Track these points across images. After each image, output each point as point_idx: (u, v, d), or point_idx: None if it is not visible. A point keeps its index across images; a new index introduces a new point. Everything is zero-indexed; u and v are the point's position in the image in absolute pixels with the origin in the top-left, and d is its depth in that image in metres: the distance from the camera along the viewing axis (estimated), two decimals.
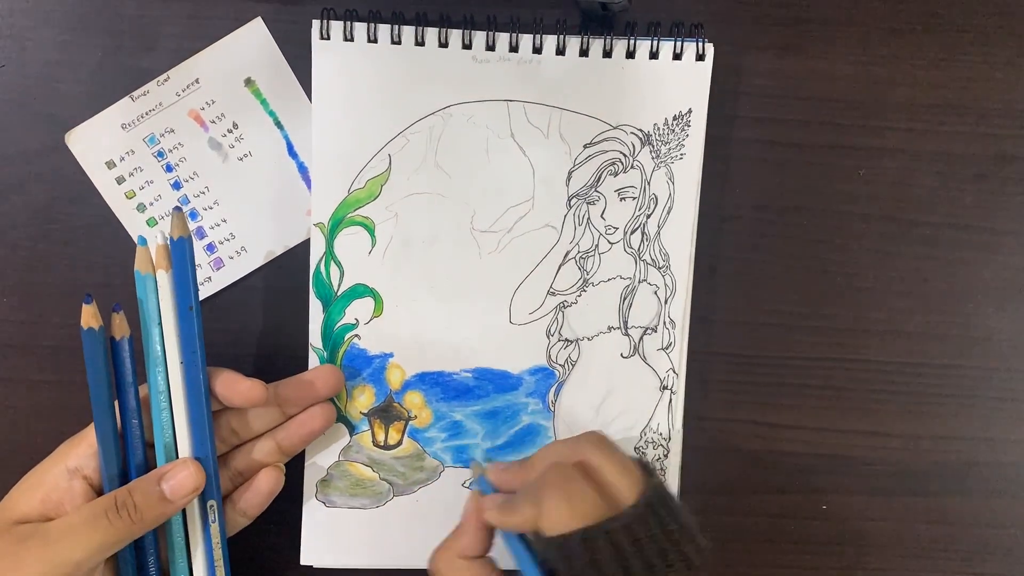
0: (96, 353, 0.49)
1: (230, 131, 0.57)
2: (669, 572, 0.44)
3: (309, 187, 0.57)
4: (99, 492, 0.49)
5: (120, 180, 0.56)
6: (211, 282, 0.57)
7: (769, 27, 0.57)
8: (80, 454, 0.50)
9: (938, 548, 0.60)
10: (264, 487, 0.53)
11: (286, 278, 0.57)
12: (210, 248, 0.57)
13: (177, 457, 0.51)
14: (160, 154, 0.56)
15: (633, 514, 0.45)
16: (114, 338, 0.50)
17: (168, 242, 0.50)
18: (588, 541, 0.44)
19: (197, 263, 0.57)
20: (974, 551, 0.60)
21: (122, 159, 0.56)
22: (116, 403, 0.50)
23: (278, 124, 0.57)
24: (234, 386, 0.51)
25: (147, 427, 0.51)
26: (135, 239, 0.57)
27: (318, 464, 0.57)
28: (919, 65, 0.57)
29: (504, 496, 0.50)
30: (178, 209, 0.51)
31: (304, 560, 0.58)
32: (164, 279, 0.50)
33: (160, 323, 0.50)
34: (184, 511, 0.51)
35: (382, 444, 0.57)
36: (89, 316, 0.48)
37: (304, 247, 0.57)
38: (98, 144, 0.56)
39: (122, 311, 0.50)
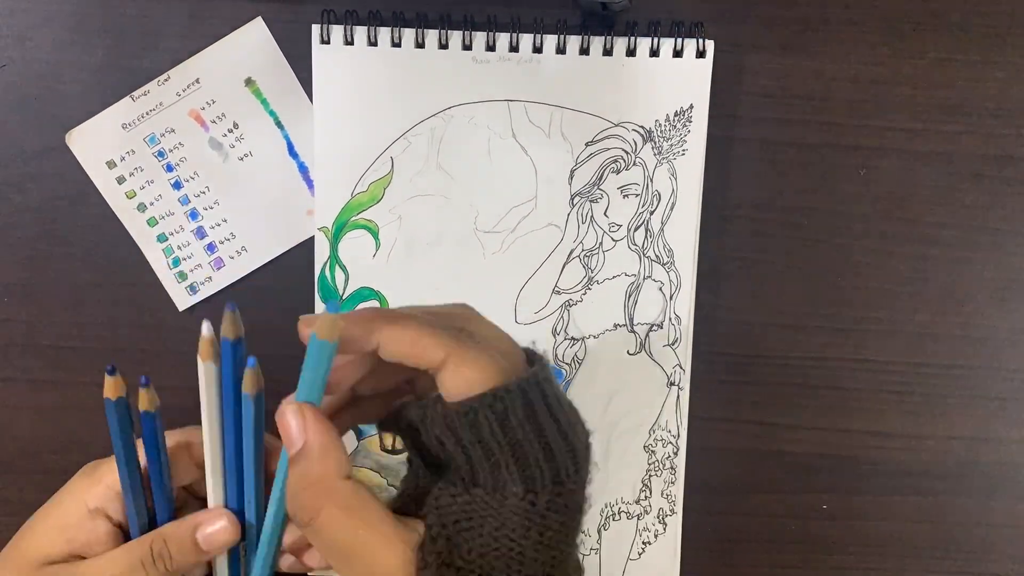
0: (117, 422, 0.47)
1: (230, 131, 0.56)
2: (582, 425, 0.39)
3: (310, 187, 0.57)
4: (123, 530, 0.48)
5: (120, 180, 0.56)
6: (211, 282, 0.57)
7: (769, 27, 0.57)
8: (99, 495, 0.48)
9: (938, 548, 0.60)
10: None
11: (287, 278, 0.57)
12: (210, 248, 0.57)
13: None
14: (160, 154, 0.56)
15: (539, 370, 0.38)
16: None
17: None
18: (523, 392, 0.37)
19: (197, 263, 0.57)
20: (974, 551, 0.60)
21: (122, 159, 0.56)
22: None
23: (278, 124, 0.57)
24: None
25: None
26: (135, 239, 0.56)
27: None
28: (919, 65, 0.57)
29: (357, 313, 0.43)
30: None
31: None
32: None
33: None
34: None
35: (390, 449, 0.57)
36: (111, 388, 0.44)
37: (305, 247, 0.57)
38: (98, 144, 0.56)
39: (151, 385, 0.45)
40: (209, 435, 0.46)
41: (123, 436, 0.46)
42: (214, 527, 0.47)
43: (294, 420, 0.39)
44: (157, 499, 0.48)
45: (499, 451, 0.36)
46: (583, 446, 0.38)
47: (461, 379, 0.37)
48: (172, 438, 0.48)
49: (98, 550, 0.47)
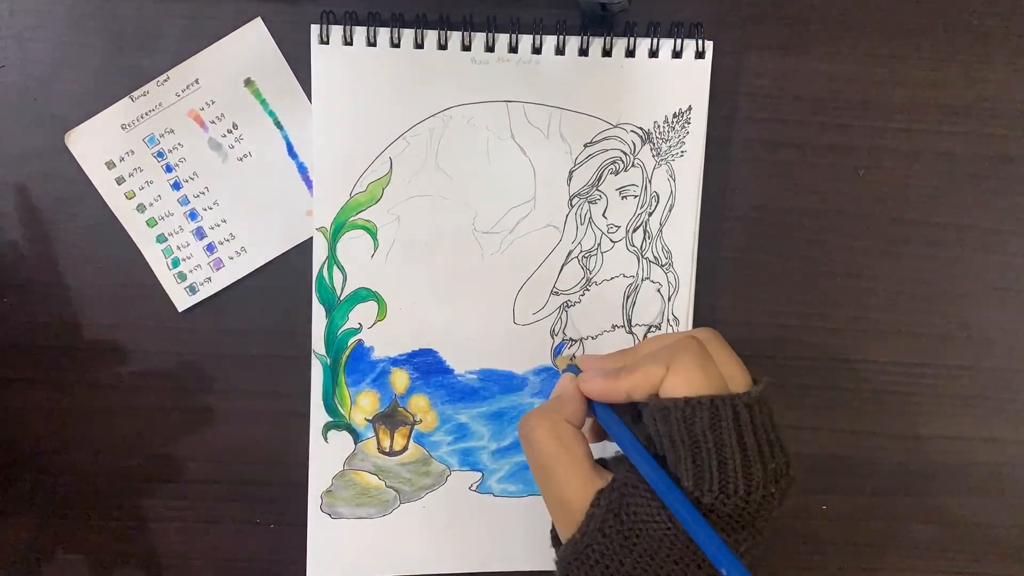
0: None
1: (230, 131, 0.56)
2: (774, 462, 0.44)
3: (309, 187, 0.57)
4: None
5: (120, 180, 0.56)
6: (211, 282, 0.57)
7: (769, 27, 0.57)
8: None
9: (938, 548, 0.60)
10: None
11: (286, 278, 0.57)
12: (210, 248, 0.57)
13: None
14: (160, 154, 0.56)
15: (755, 396, 0.44)
16: None
17: None
18: (715, 407, 0.43)
19: (197, 263, 0.57)
20: (974, 551, 0.60)
21: (122, 159, 0.56)
22: None
23: (278, 124, 0.57)
24: None
25: None
26: (135, 240, 0.56)
27: (322, 475, 0.57)
28: (919, 65, 0.57)
29: (607, 370, 0.49)
30: None
31: (310, 575, 0.57)
32: None
33: None
34: None
35: (388, 451, 0.57)
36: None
37: (304, 247, 0.57)
38: (98, 144, 0.56)
39: None
40: None
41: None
42: None
43: (567, 377, 0.50)
44: None
45: (682, 448, 0.43)
46: (763, 479, 0.43)
47: (670, 386, 0.44)
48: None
49: None
